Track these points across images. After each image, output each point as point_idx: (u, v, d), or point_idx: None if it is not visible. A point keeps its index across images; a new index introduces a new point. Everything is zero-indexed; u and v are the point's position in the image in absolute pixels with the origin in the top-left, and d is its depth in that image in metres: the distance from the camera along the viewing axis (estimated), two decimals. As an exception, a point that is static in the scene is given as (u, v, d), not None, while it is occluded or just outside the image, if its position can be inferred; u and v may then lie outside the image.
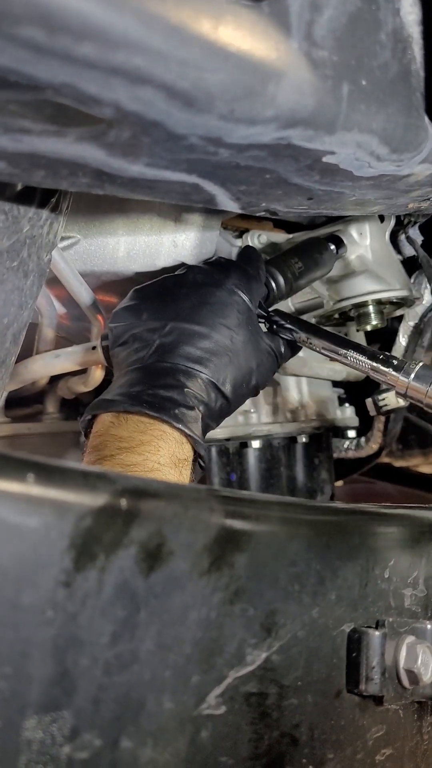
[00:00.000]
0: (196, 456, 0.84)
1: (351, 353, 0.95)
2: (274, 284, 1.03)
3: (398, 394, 0.93)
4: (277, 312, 1.00)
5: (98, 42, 0.40)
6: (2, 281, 0.68)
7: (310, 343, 0.99)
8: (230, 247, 1.34)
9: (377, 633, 0.61)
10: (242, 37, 0.48)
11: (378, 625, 0.62)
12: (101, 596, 0.41)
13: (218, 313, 0.88)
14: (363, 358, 0.95)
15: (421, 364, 0.92)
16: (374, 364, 0.94)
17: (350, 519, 0.64)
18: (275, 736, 0.52)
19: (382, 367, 0.93)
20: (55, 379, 1.34)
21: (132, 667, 0.42)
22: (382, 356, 0.94)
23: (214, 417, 0.87)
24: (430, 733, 0.68)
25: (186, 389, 0.83)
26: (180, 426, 0.81)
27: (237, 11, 0.47)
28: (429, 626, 0.65)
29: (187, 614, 0.46)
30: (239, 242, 1.34)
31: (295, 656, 0.54)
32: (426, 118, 0.66)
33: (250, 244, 1.33)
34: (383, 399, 1.35)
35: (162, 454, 0.80)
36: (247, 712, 0.50)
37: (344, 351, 0.96)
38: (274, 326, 0.99)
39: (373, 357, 0.94)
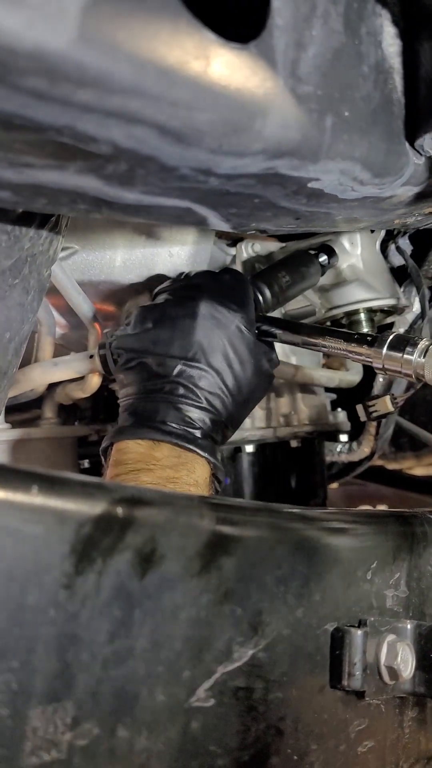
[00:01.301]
0: (213, 480, 0.92)
1: (327, 340, 0.96)
2: (261, 298, 1.06)
3: (377, 369, 0.92)
4: (257, 318, 1.03)
5: (96, 88, 0.44)
6: (5, 298, 0.71)
7: (289, 340, 1.01)
8: (224, 255, 1.38)
9: (359, 631, 0.64)
10: (230, 77, 0.51)
11: (360, 624, 0.65)
12: (99, 597, 0.44)
13: (230, 357, 0.93)
14: (338, 342, 0.95)
15: (395, 333, 0.91)
16: (350, 345, 0.94)
17: (334, 524, 0.67)
18: (261, 727, 0.55)
19: (356, 346, 0.93)
20: (53, 385, 1.37)
21: (128, 662, 0.46)
22: (356, 335, 0.94)
23: (221, 444, 0.95)
24: (410, 727, 0.72)
25: (205, 426, 0.90)
26: (208, 456, 0.89)
27: (225, 53, 0.50)
28: (409, 626, 0.69)
29: (179, 614, 0.49)
30: (233, 251, 1.37)
31: (280, 653, 0.57)
32: (407, 144, 0.70)
33: (244, 253, 1.37)
34: (373, 405, 1.38)
35: (198, 473, 0.88)
36: (235, 705, 0.53)
37: (320, 339, 0.97)
38: (257, 331, 1.02)
39: (348, 338, 0.94)
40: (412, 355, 0.88)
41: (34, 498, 0.41)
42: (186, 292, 0.98)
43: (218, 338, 0.93)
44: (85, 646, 0.43)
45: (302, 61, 0.57)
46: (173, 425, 0.89)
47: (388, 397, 1.26)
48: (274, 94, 0.55)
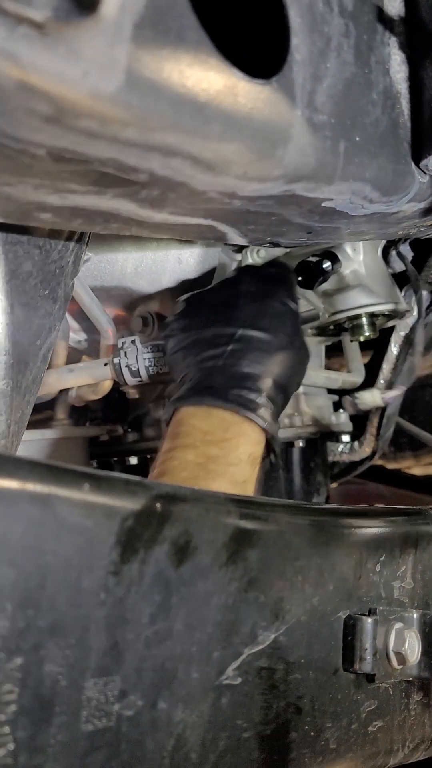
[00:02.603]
0: (268, 452, 0.94)
1: None
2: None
3: None
4: None
5: (140, 127, 0.49)
6: (36, 308, 0.76)
7: None
8: (231, 261, 1.42)
9: (369, 619, 0.68)
10: (255, 110, 0.56)
11: (370, 612, 0.70)
12: (142, 583, 0.49)
13: (278, 321, 0.97)
14: None
15: None
16: None
17: (346, 519, 0.72)
18: (282, 705, 0.60)
19: None
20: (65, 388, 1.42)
21: (166, 642, 0.51)
22: None
23: (279, 414, 0.97)
24: (416, 709, 0.76)
25: (263, 392, 0.92)
26: (265, 426, 0.90)
27: (251, 89, 0.55)
28: (415, 615, 0.73)
29: (210, 600, 0.54)
30: (239, 256, 1.42)
31: (298, 638, 0.62)
32: (412, 164, 0.75)
33: (250, 259, 1.41)
34: (358, 398, 1.42)
35: (241, 450, 0.89)
36: (259, 684, 0.58)
37: None
38: None
39: None
40: None
41: (86, 495, 0.46)
42: (228, 277, 1.03)
43: (268, 308, 0.96)
44: (131, 626, 0.48)
45: (318, 92, 0.62)
46: (229, 390, 0.90)
47: (376, 390, 1.30)
48: (293, 125, 0.60)
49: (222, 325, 0.96)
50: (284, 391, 0.96)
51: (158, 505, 0.51)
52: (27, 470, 0.43)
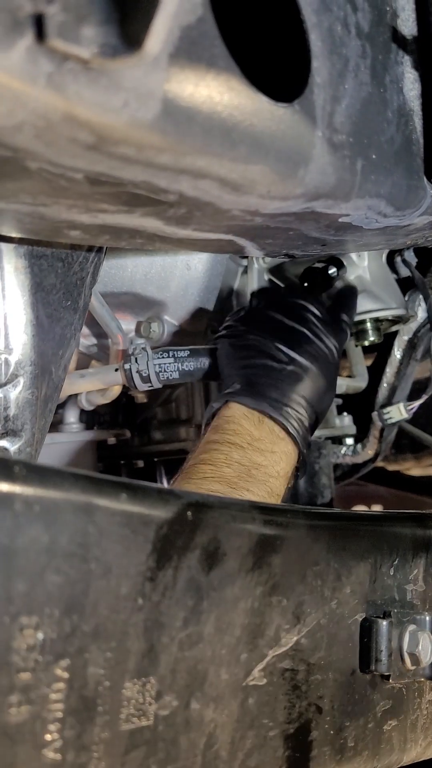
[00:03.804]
0: (297, 468, 0.99)
1: None
2: None
3: None
4: None
5: (173, 152, 0.51)
6: (59, 319, 0.78)
7: None
8: (236, 266, 1.44)
9: (384, 622, 0.71)
10: (279, 133, 0.58)
11: (385, 615, 0.72)
12: (175, 588, 0.51)
13: (313, 346, 1.01)
14: None
15: None
16: None
17: (361, 524, 0.74)
18: (304, 704, 0.62)
19: None
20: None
21: (198, 645, 0.53)
22: None
23: (311, 433, 1.01)
24: (428, 709, 0.79)
25: (306, 416, 0.97)
26: (303, 450, 0.96)
27: (275, 112, 0.58)
28: (428, 617, 0.76)
29: (237, 604, 0.57)
30: (245, 262, 1.44)
31: (319, 640, 0.64)
32: (425, 179, 0.77)
33: (255, 264, 1.43)
34: (388, 412, 1.45)
35: (282, 467, 0.94)
36: (283, 684, 0.61)
37: None
38: None
39: None
40: None
41: (125, 505, 0.48)
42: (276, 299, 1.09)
43: (301, 336, 1.00)
44: (166, 630, 0.51)
45: (337, 113, 0.64)
46: (284, 407, 0.95)
47: (402, 404, 1.33)
48: (314, 145, 0.62)
49: (283, 343, 0.99)
50: (318, 417, 1.01)
51: (189, 513, 0.53)
52: (72, 482, 0.45)
